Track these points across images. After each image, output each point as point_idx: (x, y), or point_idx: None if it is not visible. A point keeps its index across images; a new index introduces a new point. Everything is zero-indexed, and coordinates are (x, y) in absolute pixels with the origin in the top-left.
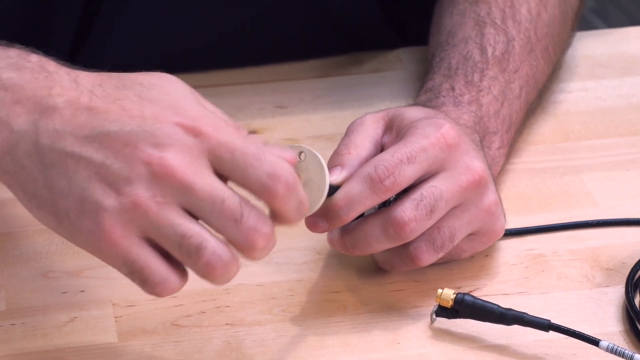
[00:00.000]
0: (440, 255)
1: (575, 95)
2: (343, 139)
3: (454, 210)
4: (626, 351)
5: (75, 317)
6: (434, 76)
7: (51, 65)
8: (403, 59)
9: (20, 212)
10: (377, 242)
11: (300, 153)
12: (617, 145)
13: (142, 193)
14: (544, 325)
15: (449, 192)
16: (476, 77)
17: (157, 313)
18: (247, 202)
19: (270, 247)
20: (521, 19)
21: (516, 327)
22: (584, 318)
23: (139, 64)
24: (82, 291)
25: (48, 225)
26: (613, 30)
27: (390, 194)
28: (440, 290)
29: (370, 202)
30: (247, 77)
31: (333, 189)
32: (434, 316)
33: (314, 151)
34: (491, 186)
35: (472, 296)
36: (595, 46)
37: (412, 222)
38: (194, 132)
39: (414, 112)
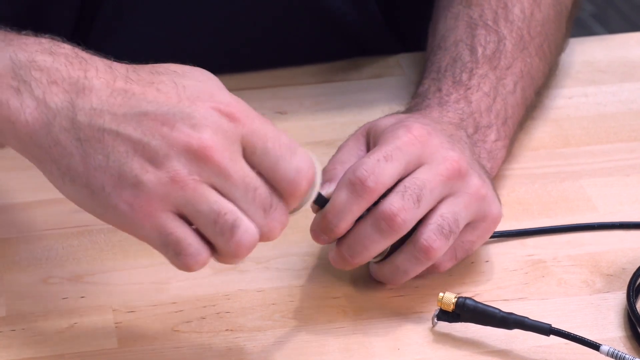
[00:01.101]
0: (452, 241)
1: (575, 100)
2: (329, 160)
3: (446, 199)
4: (627, 356)
5: (76, 323)
6: (424, 81)
7: (84, 53)
8: (403, 64)
9: (21, 217)
10: (372, 243)
11: None
12: (617, 151)
13: (180, 169)
14: (545, 330)
15: (431, 181)
16: (464, 76)
17: (157, 319)
18: (275, 193)
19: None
20: (514, 18)
21: (517, 333)
22: (584, 324)
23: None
24: (82, 297)
25: (78, 199)
26: (613, 36)
27: (375, 195)
28: (441, 294)
29: (357, 207)
30: (247, 83)
31: (326, 202)
32: (435, 320)
33: (312, 156)
34: (474, 173)
35: (474, 300)
36: (595, 52)
37: (402, 212)
38: (230, 117)
39: (386, 121)
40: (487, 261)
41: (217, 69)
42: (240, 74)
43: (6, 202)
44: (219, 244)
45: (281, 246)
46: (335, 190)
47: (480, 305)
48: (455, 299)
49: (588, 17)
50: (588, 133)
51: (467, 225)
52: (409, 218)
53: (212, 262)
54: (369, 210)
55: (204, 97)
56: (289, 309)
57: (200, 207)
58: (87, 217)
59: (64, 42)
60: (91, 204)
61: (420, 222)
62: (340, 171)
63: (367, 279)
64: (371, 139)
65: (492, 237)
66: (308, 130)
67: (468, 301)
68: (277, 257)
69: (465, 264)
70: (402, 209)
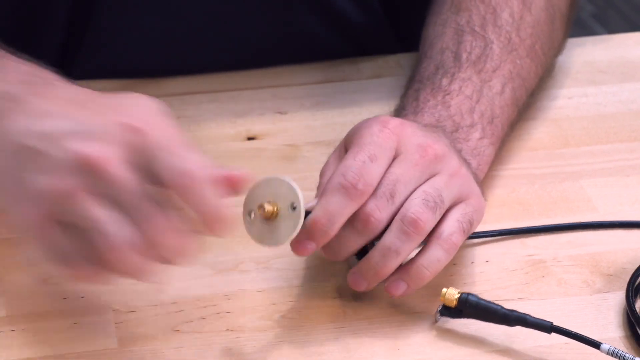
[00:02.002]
0: (438, 215)
1: (575, 101)
2: (319, 185)
3: (428, 180)
4: (627, 355)
5: (76, 323)
6: (407, 92)
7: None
8: (403, 64)
9: None
10: (350, 242)
11: (268, 180)
12: (617, 151)
13: (68, 181)
14: (547, 327)
15: (405, 175)
16: (445, 81)
17: (158, 319)
18: (167, 203)
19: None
20: (502, 23)
21: (517, 333)
22: (584, 324)
23: (137, 69)
24: (82, 297)
25: None
26: (613, 36)
27: (365, 197)
28: (444, 290)
29: (349, 210)
30: (248, 83)
31: (308, 213)
32: (438, 315)
33: (285, 178)
34: (452, 155)
35: (476, 296)
36: (595, 52)
37: (375, 212)
38: (130, 129)
39: (358, 124)
40: (487, 261)
41: (217, 68)
42: (240, 72)
43: None
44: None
45: (282, 246)
46: (324, 195)
47: (482, 302)
48: (458, 295)
49: (588, 17)
50: (588, 133)
51: (457, 201)
52: (383, 216)
53: (213, 262)
54: None
55: (116, 112)
56: (289, 309)
57: (76, 219)
58: None
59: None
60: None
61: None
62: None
63: None
64: (348, 142)
65: (492, 235)
66: (308, 130)
67: (470, 297)
68: (278, 257)
69: (465, 264)
70: (376, 208)
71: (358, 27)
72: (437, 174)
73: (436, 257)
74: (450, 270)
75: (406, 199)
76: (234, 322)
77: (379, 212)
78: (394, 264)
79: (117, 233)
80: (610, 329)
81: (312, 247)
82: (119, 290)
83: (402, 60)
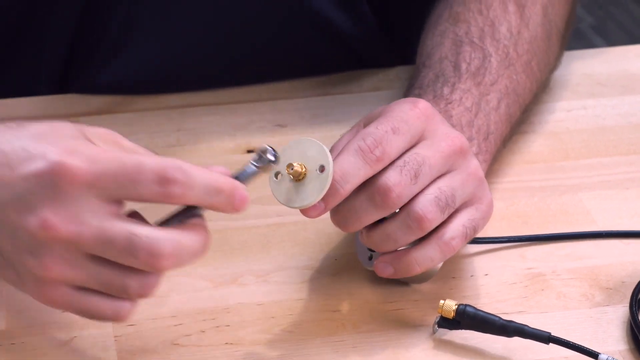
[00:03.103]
0: (446, 215)
1: (575, 113)
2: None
3: (446, 175)
4: None
5: (75, 337)
6: (407, 97)
7: None
8: (403, 77)
9: None
10: (365, 214)
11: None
12: (616, 164)
13: (48, 261)
14: (544, 338)
15: (431, 157)
16: (446, 90)
17: (157, 332)
18: (139, 232)
19: (189, 253)
20: (500, 37)
21: (516, 346)
22: (583, 337)
23: (142, 84)
24: None
25: None
26: (612, 49)
27: (380, 166)
28: (442, 301)
29: (363, 172)
30: (247, 96)
31: None
32: (436, 327)
33: (316, 140)
34: (473, 156)
35: (474, 307)
36: (594, 65)
37: (398, 187)
38: (68, 177)
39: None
40: (486, 274)
41: (217, 83)
42: (239, 87)
43: None
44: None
45: (280, 260)
46: (341, 153)
47: (480, 313)
48: (456, 306)
49: (587, 28)
50: (587, 146)
51: (467, 204)
52: (404, 194)
53: (212, 275)
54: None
55: (38, 158)
56: (289, 322)
57: (89, 284)
58: None
59: None
60: None
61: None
62: None
63: (367, 292)
64: (371, 119)
65: (490, 242)
66: None
67: (468, 308)
68: (277, 271)
69: (465, 277)
70: (399, 184)
71: (353, 41)
72: (456, 170)
73: (430, 255)
74: (450, 284)
75: (427, 185)
76: (234, 336)
77: (401, 188)
78: (389, 248)
79: (130, 282)
80: (610, 343)
81: (321, 207)
82: None
83: (401, 73)
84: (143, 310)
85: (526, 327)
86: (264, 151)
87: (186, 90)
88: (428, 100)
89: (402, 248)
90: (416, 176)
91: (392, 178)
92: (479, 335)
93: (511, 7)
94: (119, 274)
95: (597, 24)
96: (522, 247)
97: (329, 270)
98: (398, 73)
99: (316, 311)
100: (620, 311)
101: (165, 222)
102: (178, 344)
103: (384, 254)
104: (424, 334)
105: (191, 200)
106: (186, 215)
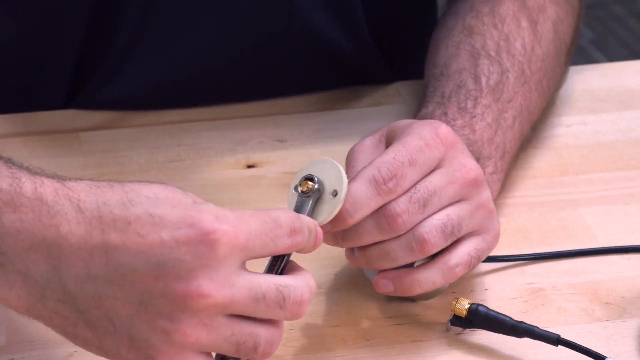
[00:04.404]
0: (449, 242)
1: (575, 129)
2: (348, 169)
3: (456, 203)
4: None
5: (75, 352)
6: (427, 104)
7: (48, 193)
8: (402, 92)
9: None
10: (368, 235)
11: (310, 180)
12: (616, 179)
13: (188, 327)
14: (553, 339)
15: (443, 188)
16: (469, 104)
17: None
18: (283, 282)
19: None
20: (515, 52)
21: (525, 348)
22: (580, 356)
23: (143, 101)
24: None
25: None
26: (611, 65)
27: (392, 196)
28: (455, 301)
29: (374, 203)
30: (247, 111)
31: None
32: (449, 325)
33: (336, 164)
34: (486, 187)
35: (486, 307)
36: (594, 80)
37: (405, 215)
38: (224, 241)
39: (409, 121)
40: (486, 289)
41: (217, 101)
42: (240, 103)
43: None
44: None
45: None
46: (355, 180)
47: (491, 312)
48: (468, 305)
49: (587, 43)
50: (587, 161)
51: (475, 233)
52: (410, 221)
53: None
54: None
55: (185, 228)
56: (289, 337)
57: (221, 347)
58: None
59: (23, 176)
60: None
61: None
62: None
63: (368, 308)
64: (392, 138)
65: (492, 261)
66: (307, 158)
67: (480, 308)
68: None
69: (465, 292)
70: (406, 211)
71: (352, 59)
72: (467, 200)
73: (433, 279)
74: (450, 299)
75: (433, 212)
76: None
77: (408, 216)
78: (385, 266)
79: (265, 340)
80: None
81: (327, 228)
82: None
83: (401, 88)
84: None
85: (536, 328)
86: (311, 179)
87: (187, 106)
88: (452, 112)
89: (402, 267)
90: (425, 205)
91: (401, 205)
92: (488, 336)
93: (524, 23)
94: (253, 330)
95: (597, 39)
96: (522, 262)
97: (329, 286)
98: (398, 88)
99: (316, 326)
100: (620, 326)
101: (272, 269)
102: None
103: (382, 270)
104: (424, 350)
105: (303, 247)
106: (285, 261)
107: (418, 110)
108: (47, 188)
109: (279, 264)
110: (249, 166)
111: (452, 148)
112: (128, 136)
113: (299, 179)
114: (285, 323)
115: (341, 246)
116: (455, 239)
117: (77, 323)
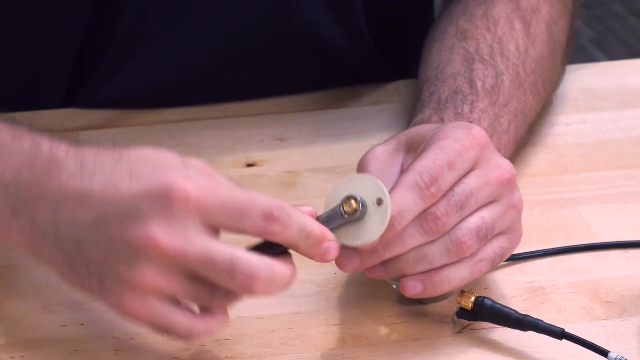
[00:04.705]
0: (481, 245)
1: (574, 127)
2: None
3: (490, 204)
4: None
5: (75, 350)
6: (423, 110)
7: (60, 153)
8: (402, 91)
9: None
10: (411, 239)
11: (350, 198)
12: (616, 178)
13: (146, 272)
14: (557, 333)
15: (480, 189)
16: (466, 108)
17: (157, 346)
18: (240, 255)
19: (280, 282)
20: (509, 54)
21: (526, 351)
22: (583, 350)
23: (143, 100)
24: (82, 324)
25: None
26: (611, 63)
27: (434, 200)
28: (461, 292)
29: (418, 208)
30: (246, 110)
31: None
32: (455, 317)
33: (367, 175)
34: (517, 186)
35: (491, 300)
36: (594, 79)
37: (444, 217)
38: (182, 199)
39: (430, 126)
40: (486, 288)
41: (217, 99)
42: (240, 102)
43: None
44: (230, 285)
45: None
46: (397, 188)
47: (497, 305)
48: (474, 298)
49: (587, 42)
50: (587, 160)
51: (502, 232)
52: (450, 222)
53: None
54: None
55: (154, 184)
56: (288, 336)
57: (182, 296)
58: None
59: (42, 138)
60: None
61: None
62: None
63: (367, 307)
64: (416, 147)
65: None
66: (307, 157)
67: (486, 300)
68: None
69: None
70: (446, 214)
71: (352, 58)
72: (499, 201)
73: (461, 275)
74: (450, 298)
75: (469, 214)
76: (233, 349)
77: (447, 217)
78: (421, 269)
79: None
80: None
81: (375, 243)
82: (118, 317)
83: (400, 87)
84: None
85: (540, 322)
86: (354, 198)
87: (186, 105)
88: (449, 118)
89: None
90: (462, 207)
91: (441, 208)
92: (489, 335)
93: (517, 25)
94: (209, 289)
95: (597, 37)
96: (522, 260)
97: (329, 284)
98: (397, 87)
99: (316, 325)
100: (620, 325)
101: (255, 249)
102: (178, 358)
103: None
104: (424, 349)
105: (285, 239)
106: (277, 249)
107: (413, 115)
108: (61, 150)
109: (268, 252)
110: (249, 165)
111: (486, 148)
112: (128, 135)
113: (337, 201)
114: (285, 320)
115: (384, 257)
116: (487, 240)
117: (64, 265)
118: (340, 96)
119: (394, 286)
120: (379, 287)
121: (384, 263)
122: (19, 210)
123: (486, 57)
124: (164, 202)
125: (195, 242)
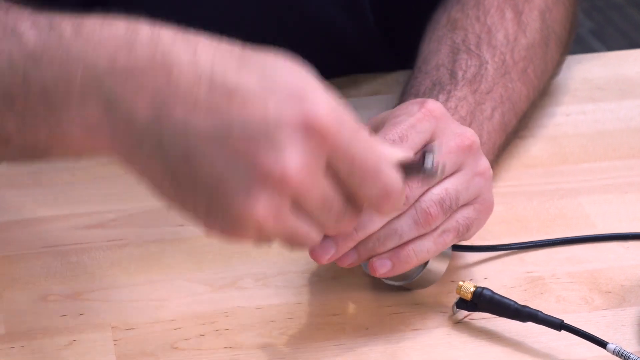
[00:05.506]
0: (448, 215)
1: (574, 118)
2: None
3: (455, 174)
4: (632, 355)
5: (74, 341)
6: (401, 101)
7: (166, 37)
8: (402, 81)
9: (20, 235)
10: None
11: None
12: (615, 168)
13: (263, 205)
14: (556, 324)
15: (440, 159)
16: (441, 98)
17: (157, 336)
18: (350, 203)
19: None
20: (497, 43)
21: (525, 341)
22: (582, 341)
23: None
24: (81, 314)
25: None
26: (611, 54)
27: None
28: (460, 283)
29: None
30: None
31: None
32: (455, 308)
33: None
34: (482, 154)
35: (491, 290)
36: (593, 69)
37: (407, 189)
38: (316, 135)
39: (390, 110)
40: (485, 278)
41: None
42: None
43: (5, 220)
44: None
45: (280, 263)
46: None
47: (496, 296)
48: (474, 289)
49: (587, 33)
50: (586, 150)
51: (468, 203)
52: (414, 195)
53: (212, 279)
54: None
55: (290, 107)
56: (288, 326)
57: (278, 233)
58: (86, 235)
59: (139, 21)
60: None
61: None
62: None
63: (367, 296)
64: (381, 126)
65: (490, 250)
66: None
67: (485, 291)
68: (276, 275)
69: (464, 280)
70: (409, 185)
71: (353, 43)
72: (463, 170)
73: (427, 247)
74: (449, 287)
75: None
76: (233, 339)
77: (410, 190)
78: (393, 245)
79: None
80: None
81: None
82: (118, 307)
83: (400, 77)
84: (142, 314)
85: (539, 313)
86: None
87: None
88: None
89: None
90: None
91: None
92: (488, 324)
93: (508, 14)
94: (308, 234)
95: (597, 28)
96: (521, 251)
97: (328, 274)
98: (397, 77)
99: (316, 315)
100: (620, 314)
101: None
102: (177, 348)
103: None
104: (424, 338)
105: (381, 212)
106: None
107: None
108: (167, 37)
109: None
110: None
111: (442, 119)
112: None
113: None
114: (284, 311)
115: (357, 239)
116: (452, 212)
117: (164, 180)
118: (340, 85)
119: (367, 271)
120: (377, 277)
121: (356, 247)
122: (114, 105)
123: (472, 47)
124: (305, 135)
125: (320, 185)
